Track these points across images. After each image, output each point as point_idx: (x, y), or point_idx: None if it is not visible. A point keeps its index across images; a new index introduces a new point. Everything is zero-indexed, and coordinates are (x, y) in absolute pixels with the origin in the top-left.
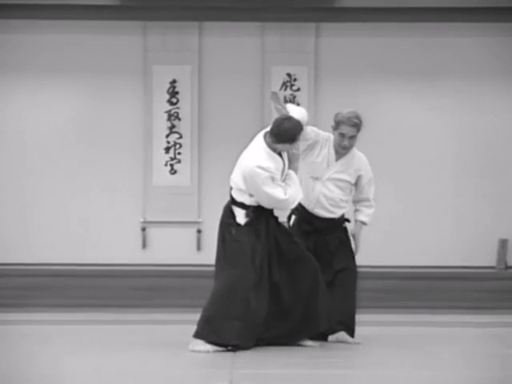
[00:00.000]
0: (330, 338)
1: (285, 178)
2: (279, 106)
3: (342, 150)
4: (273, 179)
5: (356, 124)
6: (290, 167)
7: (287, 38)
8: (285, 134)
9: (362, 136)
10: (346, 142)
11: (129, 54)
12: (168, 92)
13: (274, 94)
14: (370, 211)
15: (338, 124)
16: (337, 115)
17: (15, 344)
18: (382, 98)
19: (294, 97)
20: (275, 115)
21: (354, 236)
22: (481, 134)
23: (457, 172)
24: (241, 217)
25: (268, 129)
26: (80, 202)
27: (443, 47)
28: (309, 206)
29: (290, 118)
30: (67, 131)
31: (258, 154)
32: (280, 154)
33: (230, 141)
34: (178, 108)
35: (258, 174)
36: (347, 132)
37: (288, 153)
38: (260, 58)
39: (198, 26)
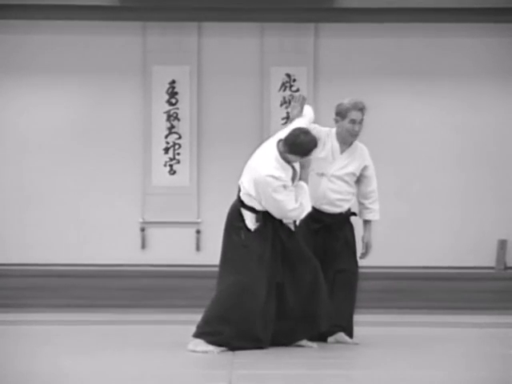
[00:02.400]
0: (329, 339)
1: (296, 188)
2: (298, 107)
3: (352, 138)
4: (285, 187)
5: (363, 108)
6: (301, 174)
7: (286, 38)
8: (299, 147)
9: (362, 136)
10: (357, 128)
11: (128, 54)
12: (167, 92)
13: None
14: (378, 206)
15: (346, 112)
16: (340, 105)
17: (15, 344)
18: (382, 98)
19: (293, 97)
20: (274, 115)
21: (368, 244)
22: (481, 134)
23: (456, 173)
24: (250, 221)
25: (281, 135)
26: (79, 202)
27: (443, 47)
28: (316, 203)
29: (307, 133)
30: (67, 132)
31: (269, 163)
32: (290, 163)
33: (229, 141)
34: (177, 108)
35: (269, 183)
36: (357, 117)
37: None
38: (259, 58)
39: (197, 26)
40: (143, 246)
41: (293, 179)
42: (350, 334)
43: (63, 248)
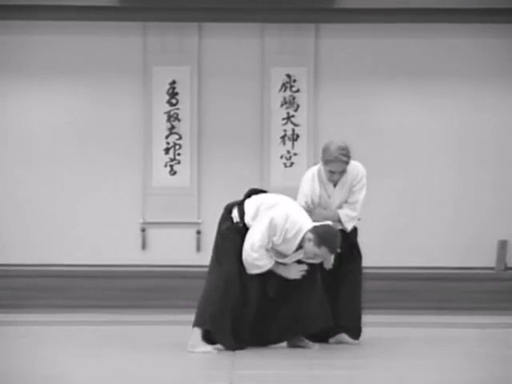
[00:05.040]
0: (331, 340)
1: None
2: (319, 216)
3: (332, 183)
4: (276, 240)
5: (344, 161)
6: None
7: (287, 38)
8: (333, 239)
9: (362, 137)
10: (336, 178)
11: (128, 54)
12: (168, 93)
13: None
14: (353, 214)
15: (326, 162)
16: (325, 151)
17: (15, 344)
18: (382, 98)
19: (294, 98)
20: (274, 116)
21: None
22: (480, 135)
23: (456, 173)
24: (236, 216)
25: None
26: (80, 202)
27: (442, 48)
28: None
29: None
30: (67, 132)
31: (296, 219)
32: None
33: (230, 142)
34: (177, 109)
35: (276, 224)
36: (336, 169)
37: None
38: (259, 58)
39: (198, 26)
40: (143, 246)
41: (285, 255)
42: (356, 335)
43: (63, 248)
